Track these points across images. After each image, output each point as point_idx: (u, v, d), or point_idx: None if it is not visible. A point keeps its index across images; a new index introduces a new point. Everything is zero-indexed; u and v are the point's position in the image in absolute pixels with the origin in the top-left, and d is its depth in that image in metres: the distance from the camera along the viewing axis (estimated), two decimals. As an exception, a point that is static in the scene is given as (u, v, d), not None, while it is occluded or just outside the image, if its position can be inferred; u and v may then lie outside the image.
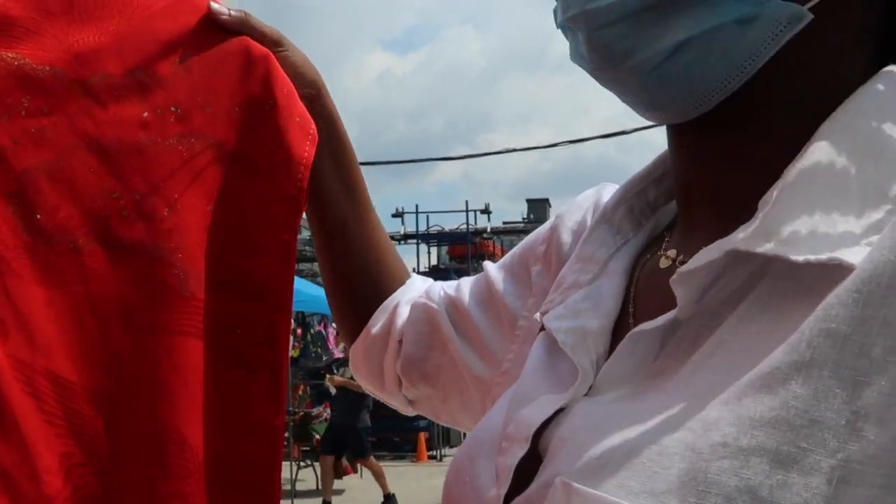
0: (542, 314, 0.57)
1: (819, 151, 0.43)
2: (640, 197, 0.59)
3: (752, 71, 0.46)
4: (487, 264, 0.76)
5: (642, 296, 0.54)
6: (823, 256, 0.40)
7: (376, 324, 0.78)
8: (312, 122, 0.72)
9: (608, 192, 0.66)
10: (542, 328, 0.58)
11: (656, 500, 0.38)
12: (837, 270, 0.40)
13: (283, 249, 0.71)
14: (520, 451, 0.48)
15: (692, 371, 0.44)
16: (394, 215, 16.88)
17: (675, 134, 0.53)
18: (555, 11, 0.51)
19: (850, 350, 0.37)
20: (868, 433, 0.36)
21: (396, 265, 0.82)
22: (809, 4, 0.45)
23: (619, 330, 0.52)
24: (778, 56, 0.45)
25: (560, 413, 0.48)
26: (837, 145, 0.43)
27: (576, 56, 0.51)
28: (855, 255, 0.40)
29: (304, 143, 0.71)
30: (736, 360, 0.42)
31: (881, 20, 0.49)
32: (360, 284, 0.80)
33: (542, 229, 0.71)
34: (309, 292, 8.42)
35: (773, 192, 0.43)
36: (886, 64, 0.47)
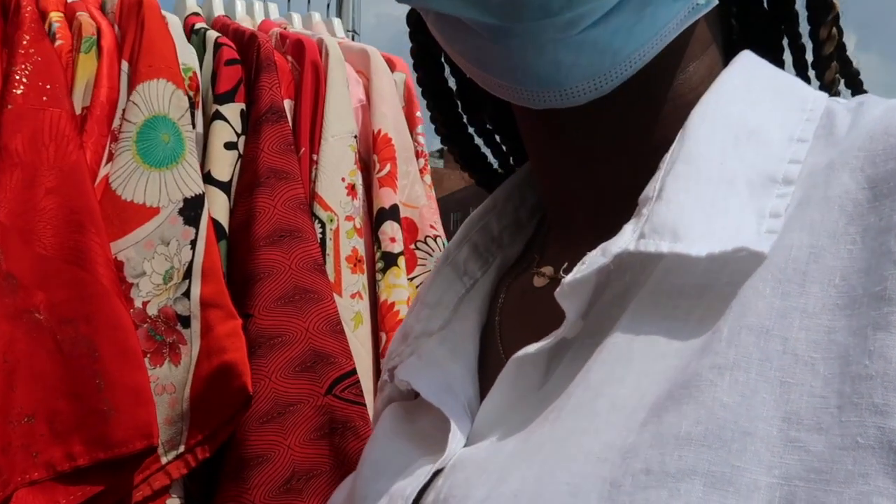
0: (391, 371, 0.51)
1: (696, 140, 0.41)
2: (482, 233, 0.54)
3: (655, 52, 0.41)
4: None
5: (509, 328, 0.49)
6: (728, 248, 0.36)
7: None
8: None
9: None
10: (389, 400, 0.53)
11: None
12: (742, 261, 0.36)
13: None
14: None
15: (589, 391, 0.37)
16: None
17: (547, 125, 0.47)
18: None
19: (773, 347, 0.33)
20: (805, 442, 0.31)
21: None
22: None
23: (486, 371, 0.48)
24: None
25: (437, 475, 0.41)
26: (713, 132, 0.41)
27: (468, 5, 0.38)
28: (758, 244, 0.36)
29: None
30: (637, 370, 0.36)
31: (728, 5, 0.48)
32: None
33: None
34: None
35: (655, 185, 0.40)
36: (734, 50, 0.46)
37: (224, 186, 1.10)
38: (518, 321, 0.49)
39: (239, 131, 1.12)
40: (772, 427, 0.32)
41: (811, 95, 0.43)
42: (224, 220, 1.09)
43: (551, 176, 0.49)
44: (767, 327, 0.33)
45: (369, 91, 1.26)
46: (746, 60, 0.45)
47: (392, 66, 1.32)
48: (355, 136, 1.21)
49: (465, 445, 0.42)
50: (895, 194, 0.34)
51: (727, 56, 0.46)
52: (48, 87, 0.97)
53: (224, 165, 1.10)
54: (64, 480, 0.90)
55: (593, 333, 0.40)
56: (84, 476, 0.91)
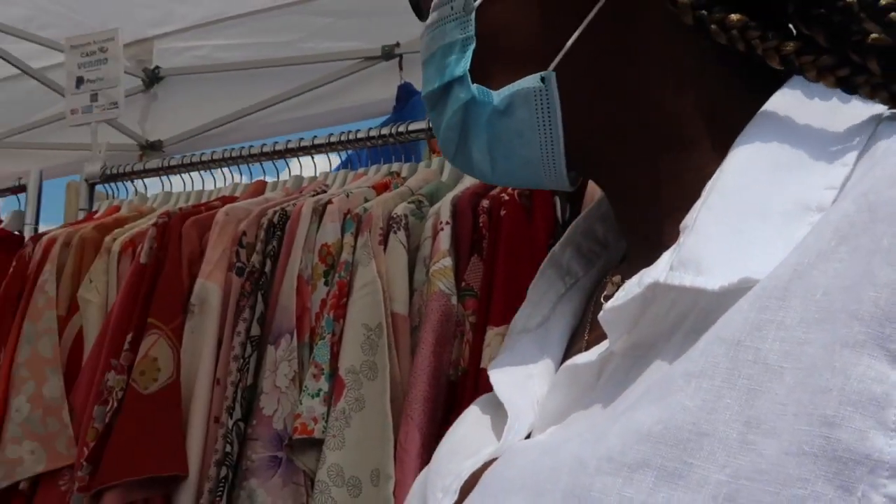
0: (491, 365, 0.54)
1: (733, 171, 0.41)
2: (587, 236, 0.57)
3: (558, 135, 0.47)
4: None
5: (596, 327, 0.50)
6: (735, 279, 0.37)
7: None
8: None
9: None
10: None
11: None
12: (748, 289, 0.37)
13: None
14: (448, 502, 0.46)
15: (619, 401, 0.40)
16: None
17: (594, 180, 0.53)
18: None
19: (744, 357, 0.34)
20: (760, 446, 0.32)
21: None
22: (552, 65, 0.46)
23: None
24: (642, 87, 0.46)
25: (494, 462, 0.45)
26: (752, 162, 0.41)
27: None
28: (763, 273, 0.37)
29: None
30: (646, 382, 0.39)
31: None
32: None
33: None
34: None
35: (694, 215, 0.41)
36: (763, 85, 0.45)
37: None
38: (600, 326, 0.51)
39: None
40: (731, 430, 0.33)
41: (863, 115, 0.42)
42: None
43: (615, 207, 0.53)
44: (739, 339, 0.35)
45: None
46: (796, 86, 0.44)
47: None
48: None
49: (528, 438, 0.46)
50: (890, 221, 0.34)
51: (753, 77, 0.46)
52: None
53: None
54: None
55: (638, 347, 0.42)
56: None
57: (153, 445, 1.45)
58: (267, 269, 1.58)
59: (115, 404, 1.53)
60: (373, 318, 1.42)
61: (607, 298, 0.48)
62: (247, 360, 1.51)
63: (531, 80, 0.46)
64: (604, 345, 0.43)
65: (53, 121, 2.83)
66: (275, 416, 1.46)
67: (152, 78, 2.82)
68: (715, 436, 0.33)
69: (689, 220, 0.41)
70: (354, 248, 1.54)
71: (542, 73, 0.46)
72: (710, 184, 0.42)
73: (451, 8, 0.48)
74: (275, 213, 1.63)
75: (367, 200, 1.61)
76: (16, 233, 2.11)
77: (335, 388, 1.39)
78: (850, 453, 0.31)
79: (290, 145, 1.88)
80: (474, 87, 0.48)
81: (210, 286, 1.59)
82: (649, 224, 0.48)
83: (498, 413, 0.50)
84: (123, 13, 2.58)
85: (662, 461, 0.34)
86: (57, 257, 1.75)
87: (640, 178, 0.48)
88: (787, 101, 0.43)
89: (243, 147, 1.95)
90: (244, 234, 1.63)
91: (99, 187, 2.11)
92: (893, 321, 0.31)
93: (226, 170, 1.99)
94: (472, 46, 0.48)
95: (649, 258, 0.43)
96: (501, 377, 0.51)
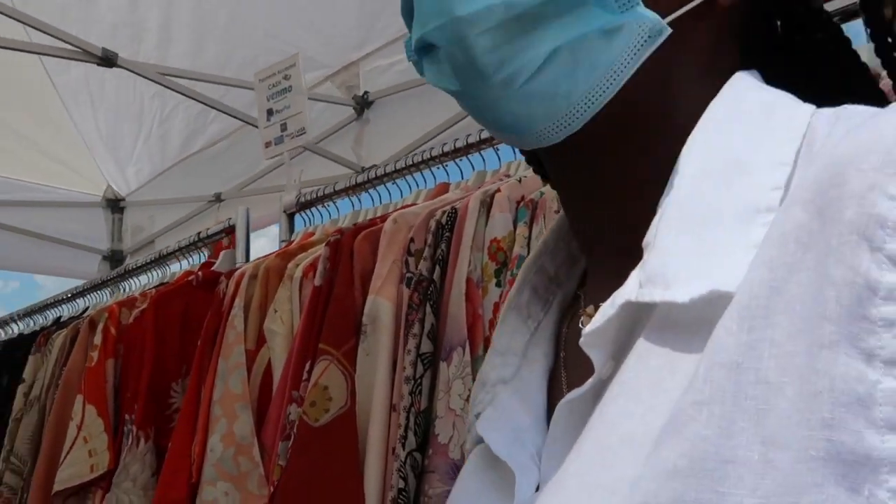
0: (476, 417, 0.54)
1: (683, 180, 0.43)
2: (539, 275, 0.56)
3: (615, 87, 0.44)
4: None
5: (573, 367, 0.51)
6: (704, 291, 0.39)
7: None
8: None
9: None
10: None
11: None
12: (719, 300, 0.38)
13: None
14: None
15: (604, 427, 0.41)
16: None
17: (552, 165, 0.52)
18: (407, 44, 0.49)
19: (746, 379, 0.35)
20: (777, 461, 0.33)
21: None
22: (669, 19, 0.45)
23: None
24: (640, 75, 0.45)
25: None
26: (700, 169, 0.43)
27: (438, 77, 0.48)
28: (726, 284, 0.38)
29: None
30: (645, 405, 0.39)
31: (744, 29, 0.50)
32: None
33: None
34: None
35: (654, 231, 0.43)
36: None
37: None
38: (580, 361, 0.49)
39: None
40: (752, 452, 0.34)
41: (797, 112, 0.44)
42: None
43: (569, 210, 0.53)
44: (738, 362, 0.35)
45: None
46: (736, 85, 0.46)
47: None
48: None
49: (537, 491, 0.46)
50: (835, 221, 0.35)
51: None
52: None
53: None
54: None
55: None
56: None
57: (327, 484, 1.31)
58: (436, 275, 1.39)
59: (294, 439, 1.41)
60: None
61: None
62: (418, 380, 1.33)
63: (656, 21, 0.44)
64: (594, 376, 0.43)
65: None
66: (451, 444, 1.26)
67: (363, 104, 2.80)
68: (738, 461, 0.34)
69: (649, 236, 0.43)
70: (529, 239, 1.32)
71: (667, 21, 0.45)
72: (663, 198, 0.44)
73: None
74: (443, 212, 1.45)
75: (545, 184, 1.37)
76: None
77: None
78: (852, 455, 0.32)
79: (471, 140, 1.69)
80: None
81: (381, 302, 1.43)
82: (619, 231, 0.48)
83: (497, 473, 0.50)
84: (324, 39, 2.59)
85: (696, 494, 0.34)
86: (245, 290, 1.70)
87: (632, 172, 0.48)
88: (728, 102, 0.45)
89: (423, 151, 1.80)
90: (412, 240, 1.46)
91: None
92: (858, 320, 0.33)
93: (418, 177, 1.85)
94: None
95: (617, 274, 0.45)
96: (494, 435, 0.50)
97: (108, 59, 2.24)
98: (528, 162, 0.62)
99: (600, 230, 0.50)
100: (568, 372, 0.51)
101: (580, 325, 0.50)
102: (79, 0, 2.60)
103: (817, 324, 0.34)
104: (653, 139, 0.47)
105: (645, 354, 0.41)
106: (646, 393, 0.40)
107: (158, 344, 1.89)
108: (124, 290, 2.63)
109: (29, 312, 2.93)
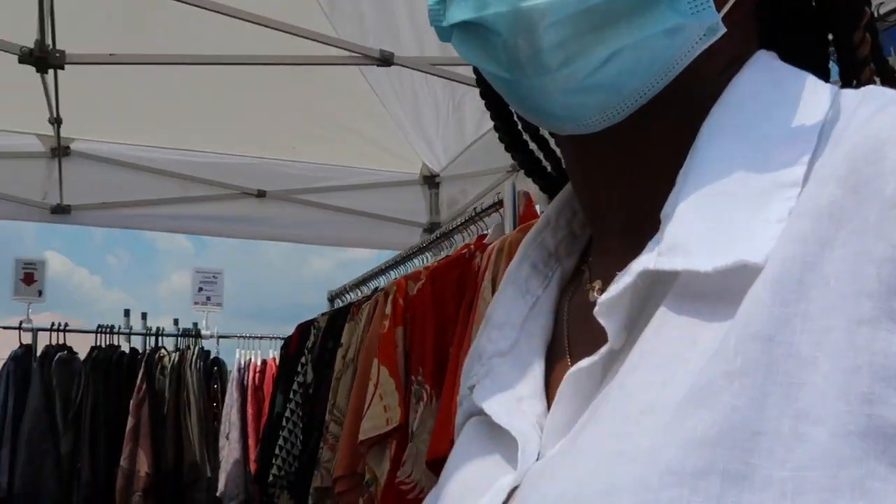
0: (470, 388, 0.54)
1: (705, 154, 0.43)
2: (539, 250, 0.57)
3: (666, 83, 0.45)
4: None
5: (576, 341, 0.51)
6: (729, 262, 0.39)
7: None
8: None
9: None
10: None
11: None
12: (746, 271, 0.38)
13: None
14: None
15: (623, 396, 0.40)
16: None
17: (575, 148, 0.51)
18: (439, 5, 0.47)
19: (779, 352, 0.36)
20: (811, 435, 0.34)
21: None
22: (721, 13, 0.44)
23: (557, 386, 0.48)
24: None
25: (514, 491, 0.45)
26: (722, 144, 0.43)
27: (480, 58, 0.46)
28: (761, 253, 0.38)
29: None
30: (664, 374, 0.39)
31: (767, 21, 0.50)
32: None
33: None
34: None
35: (672, 203, 0.43)
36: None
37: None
38: (584, 334, 0.50)
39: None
40: (783, 425, 0.34)
41: (818, 90, 0.44)
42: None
43: (584, 192, 0.52)
44: (770, 335, 0.36)
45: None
46: (756, 64, 0.46)
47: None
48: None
49: (539, 459, 0.46)
50: (874, 198, 0.36)
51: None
52: None
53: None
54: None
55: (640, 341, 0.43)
56: None
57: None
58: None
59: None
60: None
61: (594, 305, 0.47)
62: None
63: (715, 19, 0.44)
64: (605, 346, 0.43)
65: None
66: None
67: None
68: (769, 433, 0.34)
69: (668, 208, 0.43)
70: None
71: (719, 16, 0.44)
72: (682, 171, 0.44)
73: None
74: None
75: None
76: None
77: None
78: (893, 428, 0.33)
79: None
80: None
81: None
82: (635, 207, 0.48)
83: (498, 441, 0.49)
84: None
85: (725, 465, 0.35)
86: (493, 264, 1.83)
87: (656, 151, 0.48)
88: (749, 81, 0.46)
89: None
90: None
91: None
92: None
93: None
94: None
95: (628, 250, 0.45)
96: (493, 405, 0.50)
97: (385, 60, 2.49)
98: (528, 174, 0.63)
99: (612, 207, 0.50)
100: (571, 344, 0.51)
101: (590, 298, 0.50)
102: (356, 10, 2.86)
103: (855, 300, 0.34)
104: (679, 121, 0.47)
105: (664, 325, 0.41)
106: (666, 363, 0.39)
107: (437, 312, 2.10)
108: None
109: (357, 284, 3.36)
